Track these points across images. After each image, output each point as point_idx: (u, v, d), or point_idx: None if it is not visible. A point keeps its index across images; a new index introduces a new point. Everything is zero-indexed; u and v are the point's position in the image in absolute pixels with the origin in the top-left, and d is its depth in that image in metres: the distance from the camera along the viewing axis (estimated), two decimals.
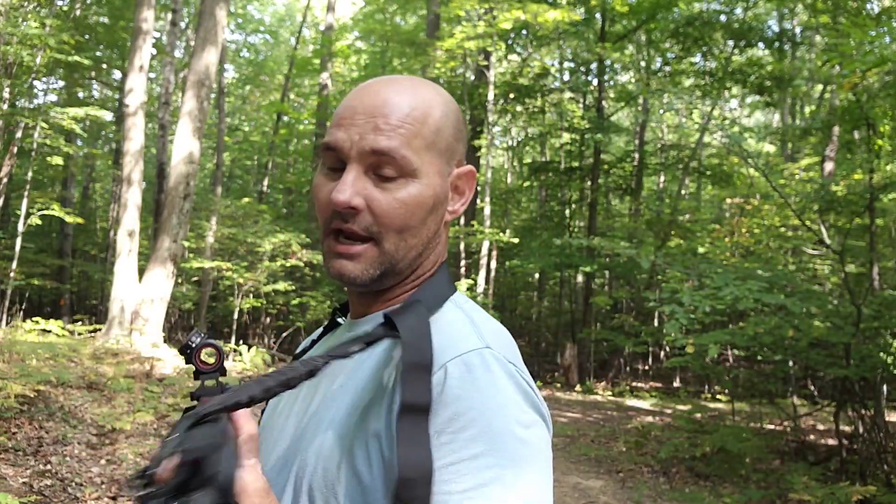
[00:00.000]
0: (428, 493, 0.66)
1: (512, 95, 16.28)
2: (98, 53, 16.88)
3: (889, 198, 9.46)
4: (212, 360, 0.76)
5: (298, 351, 1.00)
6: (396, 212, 0.79)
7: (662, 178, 21.34)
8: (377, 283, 0.82)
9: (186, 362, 0.77)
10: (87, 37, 14.91)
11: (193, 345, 0.76)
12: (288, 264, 13.60)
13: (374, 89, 0.82)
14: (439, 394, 0.70)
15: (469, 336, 0.76)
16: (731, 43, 15.11)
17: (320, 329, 1.02)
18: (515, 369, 0.75)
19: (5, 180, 11.28)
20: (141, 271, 10.82)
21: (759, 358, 8.87)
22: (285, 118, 21.35)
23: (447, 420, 0.69)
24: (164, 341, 10.72)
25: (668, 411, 11.02)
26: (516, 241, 14.09)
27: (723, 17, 14.91)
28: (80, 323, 11.18)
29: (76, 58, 10.17)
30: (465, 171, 0.87)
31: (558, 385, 14.66)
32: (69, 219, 11.94)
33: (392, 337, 0.76)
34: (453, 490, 0.66)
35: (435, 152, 0.82)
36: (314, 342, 1.00)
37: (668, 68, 16.34)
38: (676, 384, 15.89)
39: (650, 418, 10.30)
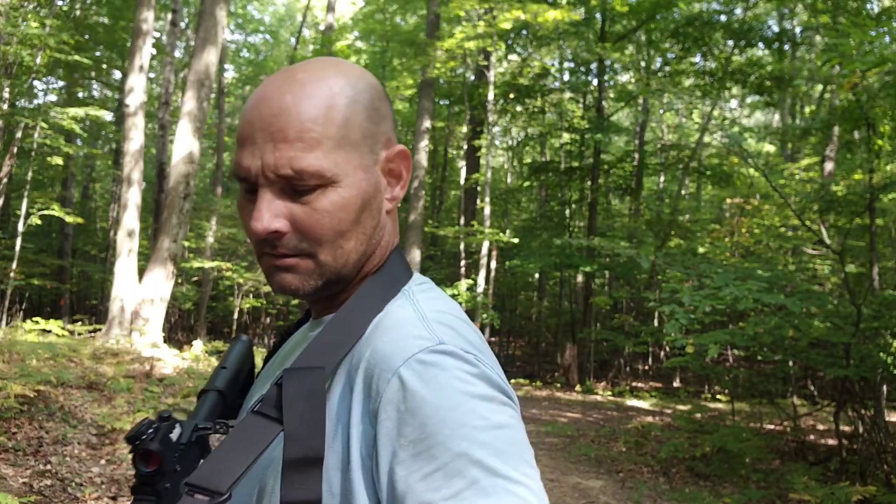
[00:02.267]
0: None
1: (512, 95, 16.28)
2: (98, 53, 16.89)
3: (889, 198, 9.46)
4: (146, 469, 0.71)
5: (272, 347, 0.98)
6: (322, 224, 0.73)
7: (662, 178, 21.35)
8: (323, 292, 0.78)
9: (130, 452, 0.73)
10: (87, 37, 14.91)
11: (136, 442, 0.72)
12: None
13: (267, 95, 0.74)
14: (395, 409, 0.65)
15: (415, 337, 0.69)
16: (731, 43, 15.12)
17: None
18: (474, 357, 0.69)
19: (5, 180, 11.28)
20: (141, 271, 10.83)
21: (759, 358, 8.87)
22: None
23: (409, 442, 0.63)
24: (164, 341, 10.73)
25: (668, 411, 11.02)
26: (516, 241, 14.09)
27: (723, 17, 14.92)
28: (80, 323, 11.18)
29: (76, 58, 10.18)
30: (395, 153, 0.80)
31: (558, 385, 14.66)
32: (69, 219, 11.95)
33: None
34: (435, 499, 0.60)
35: (348, 147, 0.75)
36: (284, 336, 0.96)
37: (668, 68, 16.34)
38: (676, 384, 15.89)
39: (650, 418, 10.30)
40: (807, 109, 18.98)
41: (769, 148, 19.57)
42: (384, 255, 0.82)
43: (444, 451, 0.62)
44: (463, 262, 15.66)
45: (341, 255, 0.76)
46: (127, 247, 10.52)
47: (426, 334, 0.69)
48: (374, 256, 0.81)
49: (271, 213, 0.72)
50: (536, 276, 20.94)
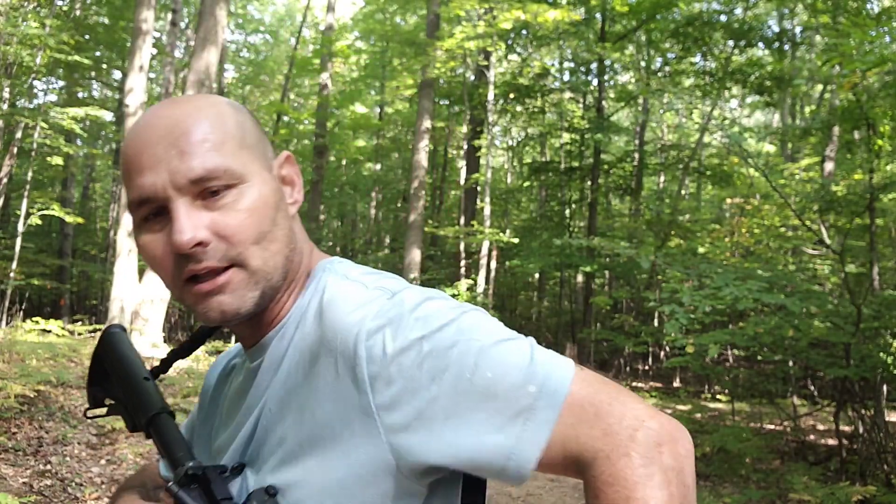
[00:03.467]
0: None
1: (512, 95, 16.27)
2: (98, 53, 16.88)
3: (889, 198, 9.46)
4: None
5: (204, 389, 0.94)
6: (246, 223, 0.71)
7: (662, 178, 21.34)
8: (260, 305, 0.74)
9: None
10: (87, 37, 14.91)
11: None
12: None
13: (158, 116, 0.72)
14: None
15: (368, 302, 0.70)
16: (731, 43, 15.11)
17: (220, 363, 0.94)
18: (431, 293, 0.72)
19: (5, 180, 11.28)
20: (141, 271, 10.82)
21: (759, 358, 8.87)
22: (285, 118, 21.35)
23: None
24: (164, 341, 10.73)
25: (668, 411, 11.02)
26: (516, 241, 14.08)
27: (723, 17, 14.91)
28: (80, 323, 11.18)
29: (76, 58, 10.18)
30: (283, 160, 0.79)
31: None
32: (69, 219, 11.95)
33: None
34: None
35: (249, 149, 0.74)
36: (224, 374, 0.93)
37: (668, 68, 16.34)
38: (676, 384, 15.88)
39: None
40: (807, 109, 18.97)
41: (769, 148, 19.56)
42: (307, 262, 0.80)
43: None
44: (463, 262, 15.65)
45: (270, 258, 0.73)
46: (127, 247, 10.51)
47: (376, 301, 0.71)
48: (296, 264, 0.78)
49: (192, 224, 0.69)
50: (536, 276, 20.93)
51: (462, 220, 16.38)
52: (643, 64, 17.60)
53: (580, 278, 19.26)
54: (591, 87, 17.32)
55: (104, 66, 17.85)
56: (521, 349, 0.67)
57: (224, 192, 0.71)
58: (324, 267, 0.79)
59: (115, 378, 0.86)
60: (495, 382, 0.65)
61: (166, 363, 0.91)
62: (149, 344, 9.79)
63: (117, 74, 18.89)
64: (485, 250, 13.96)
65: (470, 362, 0.65)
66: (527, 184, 20.09)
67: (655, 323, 15.92)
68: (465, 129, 17.29)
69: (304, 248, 0.80)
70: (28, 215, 11.70)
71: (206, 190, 0.70)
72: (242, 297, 0.72)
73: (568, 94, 17.55)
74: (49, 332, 9.40)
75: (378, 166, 23.91)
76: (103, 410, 0.88)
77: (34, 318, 9.68)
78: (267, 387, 0.76)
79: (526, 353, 0.67)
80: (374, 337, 0.67)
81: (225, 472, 0.74)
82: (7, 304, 11.67)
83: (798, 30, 16.72)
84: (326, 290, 0.74)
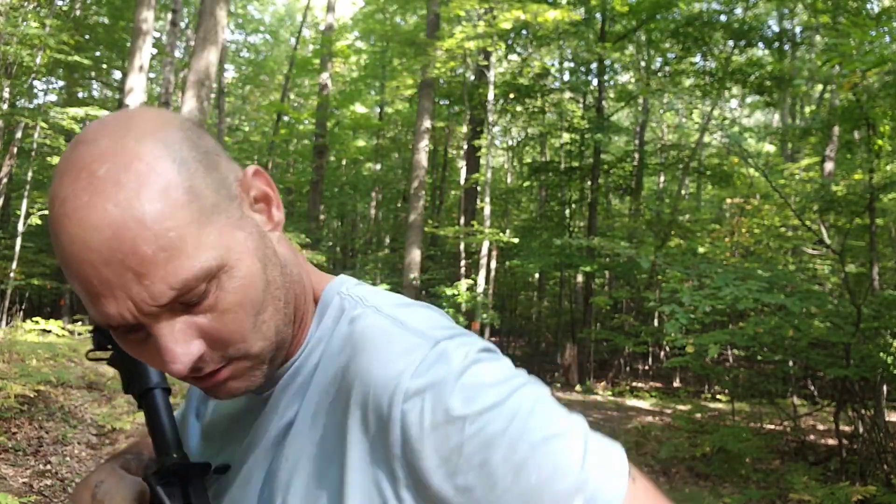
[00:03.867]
0: None
1: (512, 95, 16.27)
2: (98, 53, 16.89)
3: (889, 198, 9.46)
4: None
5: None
6: (238, 322, 0.60)
7: (662, 178, 21.35)
8: (276, 363, 0.66)
9: None
10: (87, 37, 14.91)
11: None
12: None
13: (85, 220, 0.55)
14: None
15: (409, 350, 0.61)
16: (731, 43, 15.12)
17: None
18: (478, 349, 0.62)
19: (5, 180, 11.29)
20: None
21: (759, 358, 8.87)
22: (285, 118, 21.36)
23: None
24: None
25: (668, 411, 11.02)
26: (516, 241, 14.08)
27: (723, 17, 14.91)
28: (80, 323, 11.18)
29: (76, 58, 10.18)
30: (248, 179, 0.65)
31: (558, 385, 14.67)
32: None
33: None
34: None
35: (212, 217, 0.59)
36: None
37: (668, 68, 16.34)
38: (676, 384, 15.88)
39: (650, 418, 10.30)
40: (807, 109, 18.98)
41: (769, 148, 19.57)
42: (307, 284, 0.71)
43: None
44: (463, 262, 15.66)
45: (269, 330, 0.63)
46: None
47: (417, 346, 0.61)
48: (298, 298, 0.68)
49: (183, 348, 0.59)
50: (536, 276, 20.94)
51: (462, 220, 16.38)
52: (643, 64, 17.60)
53: (580, 278, 19.25)
54: (591, 87, 17.32)
55: (104, 66, 17.86)
56: (573, 448, 0.58)
57: (204, 294, 0.58)
58: (337, 291, 0.70)
59: None
60: (540, 489, 0.56)
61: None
62: None
63: (117, 74, 18.90)
64: (485, 250, 13.96)
65: (515, 460, 0.56)
66: (527, 184, 20.10)
67: (655, 323, 15.92)
68: (465, 129, 17.30)
69: (299, 269, 0.70)
70: (28, 215, 11.70)
71: (183, 302, 0.58)
72: (250, 378, 0.65)
73: (568, 94, 17.55)
74: (49, 332, 9.40)
75: (378, 166, 23.91)
76: (106, 355, 0.81)
77: (34, 318, 9.68)
78: (284, 430, 0.68)
79: (578, 453, 0.58)
80: (412, 400, 0.58)
81: (207, 472, 0.70)
82: (7, 304, 11.67)
83: (798, 30, 16.72)
84: (356, 326, 0.65)
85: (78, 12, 14.02)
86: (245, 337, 0.61)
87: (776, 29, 16.96)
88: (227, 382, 0.64)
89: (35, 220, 11.54)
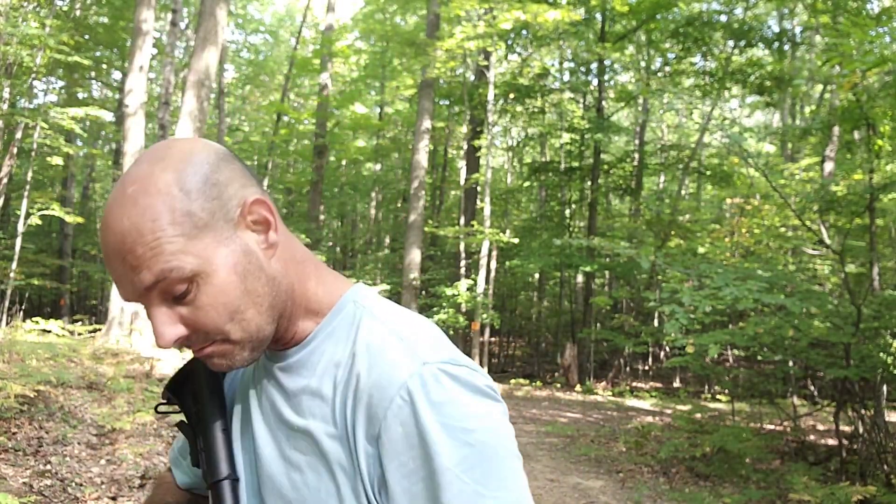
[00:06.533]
0: None
1: (512, 95, 16.28)
2: (98, 53, 16.89)
3: (889, 198, 9.46)
4: None
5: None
6: (210, 317, 0.75)
7: (662, 178, 21.36)
8: (255, 357, 0.80)
9: None
10: (87, 37, 14.92)
11: None
12: None
13: (109, 225, 0.75)
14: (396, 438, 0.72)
15: (402, 359, 0.74)
16: (731, 43, 15.12)
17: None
18: (466, 370, 0.75)
19: (5, 180, 11.28)
20: None
21: (759, 358, 8.87)
22: (285, 118, 21.36)
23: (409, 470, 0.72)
24: None
25: (668, 411, 11.02)
26: (516, 241, 14.09)
27: (723, 17, 14.92)
28: (80, 323, 11.19)
29: (76, 58, 10.18)
30: (248, 206, 0.79)
31: (558, 385, 14.66)
32: (69, 219, 11.95)
33: None
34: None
35: (201, 234, 0.75)
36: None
37: (668, 68, 16.35)
38: (676, 384, 15.89)
39: (650, 418, 10.30)
40: (807, 109, 18.97)
41: (769, 148, 19.57)
42: (314, 287, 0.84)
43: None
44: (463, 262, 15.66)
45: (248, 325, 0.78)
46: None
47: (409, 355, 0.75)
48: (292, 298, 0.82)
49: (167, 326, 0.75)
50: (536, 276, 20.94)
51: (462, 220, 16.38)
52: (643, 64, 17.61)
53: (580, 278, 19.26)
54: (591, 87, 17.33)
55: (104, 66, 17.87)
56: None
57: (185, 291, 0.75)
58: (353, 299, 0.84)
59: (199, 408, 0.89)
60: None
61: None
62: (149, 344, 9.79)
63: (117, 74, 18.91)
64: (485, 250, 13.96)
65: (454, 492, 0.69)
66: (527, 184, 20.10)
67: (655, 323, 15.93)
68: (465, 129, 17.30)
69: (292, 281, 0.82)
70: (28, 215, 11.70)
71: (168, 293, 0.75)
72: (232, 358, 0.79)
73: (568, 94, 17.56)
74: (49, 332, 9.40)
75: (378, 166, 23.91)
76: (173, 411, 0.93)
77: (34, 318, 9.69)
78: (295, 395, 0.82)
79: None
80: (402, 407, 0.72)
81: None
82: (7, 304, 11.67)
83: (798, 30, 16.72)
84: (370, 336, 0.78)
85: (78, 12, 14.02)
86: (220, 329, 0.76)
87: (776, 29, 16.96)
88: (212, 358, 0.79)
89: (35, 220, 11.54)
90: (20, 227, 11.71)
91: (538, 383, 14.84)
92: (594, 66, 16.63)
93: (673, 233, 15.42)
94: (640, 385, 15.64)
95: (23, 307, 13.08)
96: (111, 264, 0.76)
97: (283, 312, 0.81)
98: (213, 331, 0.76)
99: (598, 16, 15.35)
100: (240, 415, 0.89)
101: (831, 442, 7.81)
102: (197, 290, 0.75)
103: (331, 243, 23.19)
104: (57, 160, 12.06)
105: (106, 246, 0.76)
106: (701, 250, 12.96)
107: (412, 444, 0.70)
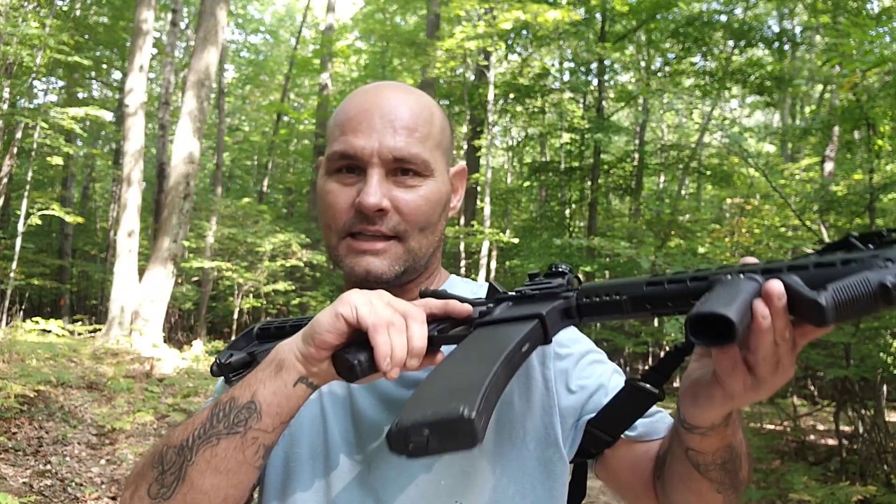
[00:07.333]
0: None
1: (512, 95, 16.27)
2: (98, 53, 16.89)
3: (889, 198, 9.44)
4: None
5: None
6: (421, 210, 0.85)
7: (662, 178, 21.34)
8: (399, 279, 0.87)
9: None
10: (87, 37, 14.91)
11: None
12: (288, 264, 13.60)
13: (381, 93, 0.86)
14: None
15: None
16: (731, 43, 15.11)
17: None
18: None
19: (5, 180, 11.28)
20: (141, 271, 10.82)
21: None
22: (285, 118, 21.35)
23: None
24: (164, 341, 10.72)
25: (669, 411, 11.01)
26: (516, 241, 14.08)
27: (723, 17, 14.91)
28: (80, 323, 11.18)
29: (76, 58, 10.17)
30: (459, 170, 0.94)
31: None
32: (69, 219, 11.94)
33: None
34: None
35: (441, 151, 0.88)
36: None
37: (668, 68, 16.34)
38: (676, 384, 15.88)
39: None
40: (807, 109, 18.97)
41: (769, 148, 19.55)
42: (437, 259, 0.95)
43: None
44: (463, 262, 15.66)
45: (424, 245, 0.87)
46: (127, 247, 10.52)
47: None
48: (435, 259, 0.93)
49: (381, 192, 0.83)
50: None
51: (462, 220, 16.38)
52: (643, 64, 17.60)
53: (580, 278, 19.22)
54: (591, 87, 17.32)
55: (104, 66, 17.86)
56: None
57: (413, 177, 0.85)
58: (450, 274, 0.98)
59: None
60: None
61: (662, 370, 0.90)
62: (149, 344, 9.79)
63: (117, 74, 18.90)
64: (485, 250, 13.96)
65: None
66: (527, 184, 20.09)
67: (655, 323, 15.91)
68: (465, 129, 17.29)
69: (440, 243, 0.94)
70: (28, 215, 11.69)
71: (399, 169, 0.84)
72: (390, 267, 0.85)
73: (568, 94, 17.55)
74: (49, 332, 9.40)
75: None
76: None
77: (34, 318, 9.68)
78: None
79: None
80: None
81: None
82: (7, 304, 11.66)
83: (798, 30, 16.72)
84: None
85: (78, 12, 14.02)
86: (416, 224, 0.85)
87: (776, 29, 16.95)
88: (374, 256, 0.84)
89: (35, 220, 11.54)
90: (20, 227, 11.71)
91: None
92: (594, 66, 16.61)
93: (673, 233, 15.41)
94: None
95: (23, 307, 13.08)
96: (365, 118, 0.83)
97: (430, 264, 0.92)
98: (410, 221, 0.84)
99: (598, 16, 15.33)
100: None
101: (831, 442, 7.81)
102: (422, 183, 0.85)
103: None
104: (57, 160, 12.05)
105: (371, 103, 0.84)
106: (701, 250, 12.94)
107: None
